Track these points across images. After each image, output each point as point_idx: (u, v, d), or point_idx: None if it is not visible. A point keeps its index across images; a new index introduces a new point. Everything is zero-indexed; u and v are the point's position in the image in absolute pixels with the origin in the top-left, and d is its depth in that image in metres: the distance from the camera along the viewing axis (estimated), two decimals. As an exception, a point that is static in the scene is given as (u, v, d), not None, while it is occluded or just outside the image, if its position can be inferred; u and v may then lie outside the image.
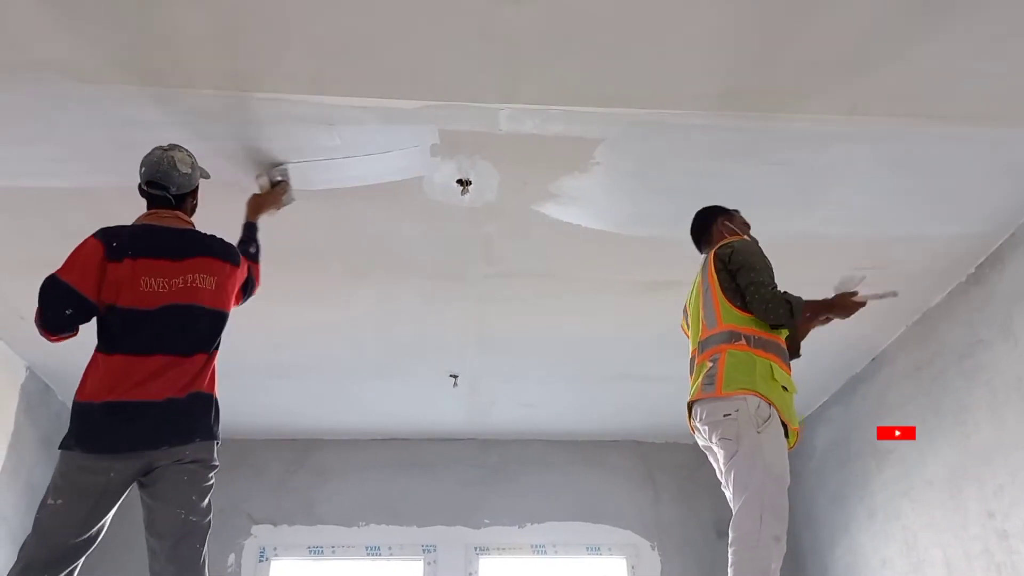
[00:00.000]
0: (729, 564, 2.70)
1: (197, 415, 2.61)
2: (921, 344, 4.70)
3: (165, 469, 2.53)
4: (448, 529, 6.24)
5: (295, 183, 3.43)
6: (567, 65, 2.97)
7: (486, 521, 6.32)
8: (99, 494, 2.49)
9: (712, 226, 3.29)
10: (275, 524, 6.16)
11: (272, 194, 3.35)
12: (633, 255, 4.12)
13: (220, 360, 2.77)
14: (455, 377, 5.47)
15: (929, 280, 4.38)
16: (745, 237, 3.20)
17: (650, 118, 3.20)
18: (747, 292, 2.93)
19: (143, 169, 2.81)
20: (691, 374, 3.09)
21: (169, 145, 2.85)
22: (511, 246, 4.07)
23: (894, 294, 3.16)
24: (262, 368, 5.26)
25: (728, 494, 2.85)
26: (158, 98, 3.02)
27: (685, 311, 3.31)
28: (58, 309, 2.58)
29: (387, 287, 4.41)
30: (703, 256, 3.27)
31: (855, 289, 3.06)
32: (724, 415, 2.81)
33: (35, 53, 2.83)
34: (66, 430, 2.55)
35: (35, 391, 5.23)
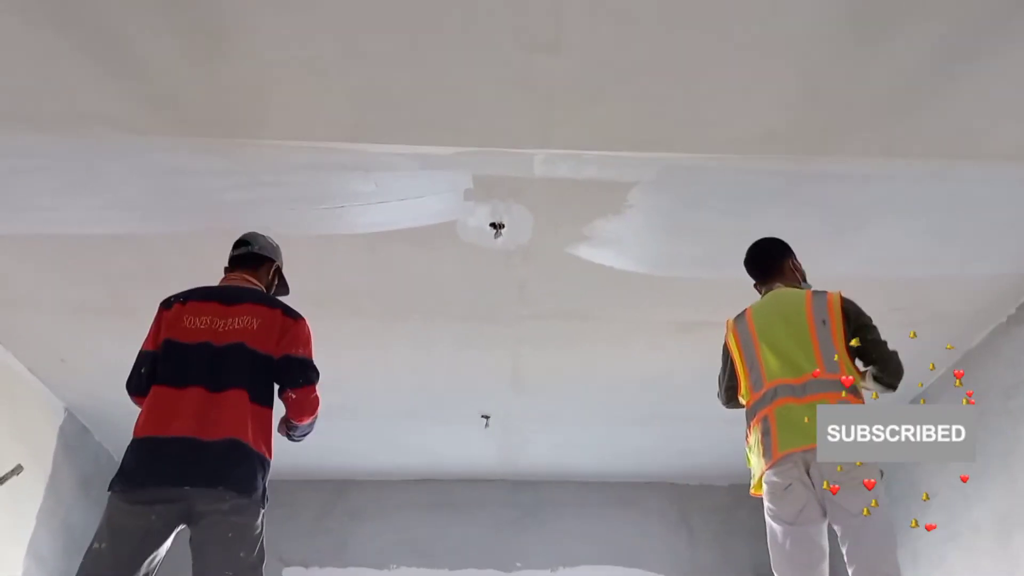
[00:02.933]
0: None
1: (233, 464, 2.58)
2: (964, 384, 4.60)
3: (210, 521, 2.52)
4: (480, 572, 6.18)
5: (337, 228, 3.47)
6: (601, 111, 2.99)
7: (518, 564, 6.25)
8: (141, 536, 2.50)
9: (785, 262, 3.13)
10: (306, 567, 6.13)
11: None
12: (666, 296, 4.10)
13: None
14: (487, 418, 5.46)
15: (970, 320, 4.32)
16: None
17: (685, 162, 3.22)
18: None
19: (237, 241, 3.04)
20: (771, 412, 2.87)
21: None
22: (545, 288, 4.07)
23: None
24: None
25: (844, 532, 2.71)
26: (201, 148, 3.09)
27: (750, 343, 3.01)
28: (136, 371, 2.76)
29: (422, 329, 4.43)
30: (774, 290, 3.06)
31: None
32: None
33: (82, 105, 2.92)
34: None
35: (73, 432, 5.28)
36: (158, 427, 2.57)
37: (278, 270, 3.09)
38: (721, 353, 3.14)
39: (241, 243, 3.04)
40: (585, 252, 3.79)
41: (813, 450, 2.63)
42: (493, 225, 3.62)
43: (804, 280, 3.15)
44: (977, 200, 3.46)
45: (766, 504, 2.85)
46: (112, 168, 3.18)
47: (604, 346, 4.60)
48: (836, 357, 2.83)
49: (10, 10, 2.58)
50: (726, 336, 3.10)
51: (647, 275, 3.94)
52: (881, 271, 3.89)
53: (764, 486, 2.85)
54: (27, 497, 4.82)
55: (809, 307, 2.93)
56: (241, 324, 2.74)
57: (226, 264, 3.04)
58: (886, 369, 2.85)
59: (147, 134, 3.02)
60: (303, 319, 2.89)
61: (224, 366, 2.68)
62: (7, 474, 4.49)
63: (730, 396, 3.09)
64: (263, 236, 3.09)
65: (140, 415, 2.65)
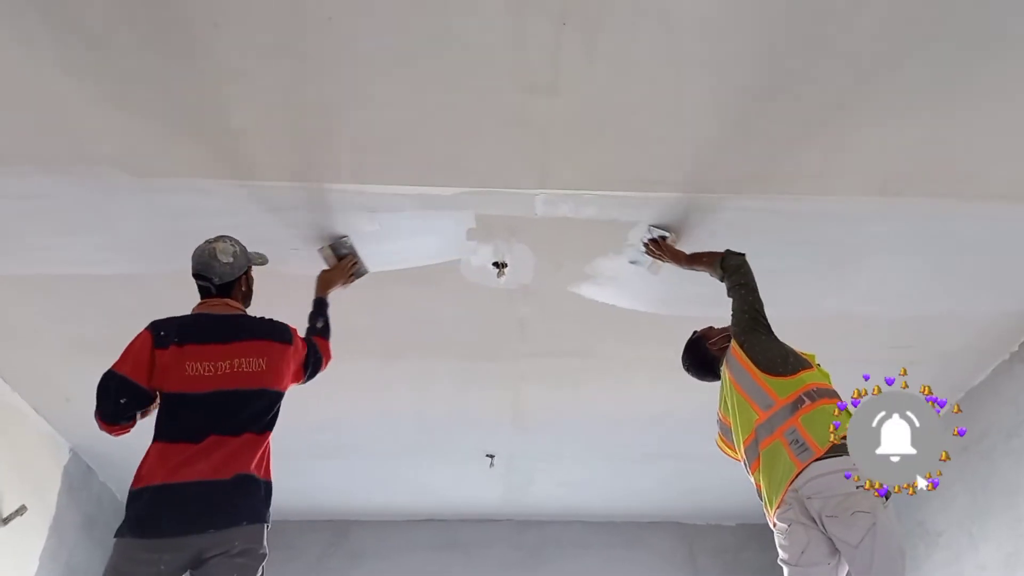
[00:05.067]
0: None
1: (242, 495, 2.59)
2: (967, 423, 4.57)
3: (216, 563, 2.51)
4: (484, 614, 6.13)
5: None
6: (599, 151, 3.04)
7: (523, 606, 6.20)
8: None
9: (706, 351, 3.20)
10: (309, 608, 6.09)
11: (339, 268, 3.40)
12: (670, 332, 4.08)
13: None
14: (491, 457, 5.44)
15: (971, 358, 4.32)
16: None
17: (682, 202, 3.25)
18: (743, 303, 3.01)
19: (192, 262, 2.89)
20: (755, 480, 2.90)
21: (217, 236, 2.91)
22: (547, 327, 4.09)
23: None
24: (300, 449, 5.27)
25: (843, 569, 2.68)
26: (203, 189, 3.13)
27: (721, 424, 3.15)
28: (114, 399, 2.63)
29: (424, 368, 4.44)
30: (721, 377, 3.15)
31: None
32: (856, 487, 2.53)
33: (89, 147, 2.97)
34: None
35: (77, 473, 5.27)
36: (173, 474, 2.55)
37: (246, 275, 2.94)
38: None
39: (198, 277, 2.86)
40: (587, 291, 3.82)
41: (793, 487, 2.68)
42: (496, 264, 3.65)
43: (729, 341, 3.13)
44: (975, 238, 3.48)
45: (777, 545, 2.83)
46: (114, 208, 3.21)
47: (606, 384, 4.60)
48: (762, 387, 2.85)
49: (15, 49, 2.62)
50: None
51: (649, 314, 3.96)
52: (880, 309, 3.90)
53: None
54: (30, 538, 4.80)
55: (729, 374, 3.01)
56: (251, 367, 2.71)
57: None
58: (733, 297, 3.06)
59: (149, 176, 3.07)
60: (292, 329, 2.92)
61: (243, 412, 2.67)
62: (11, 514, 4.49)
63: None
64: (219, 254, 2.85)
65: (147, 464, 2.58)
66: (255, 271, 3.02)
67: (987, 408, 4.42)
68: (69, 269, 3.61)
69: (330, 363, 3.16)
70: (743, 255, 3.13)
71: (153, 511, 2.52)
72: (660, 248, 3.38)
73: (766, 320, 3.00)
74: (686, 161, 3.09)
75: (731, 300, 3.09)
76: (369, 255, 3.51)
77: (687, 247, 3.52)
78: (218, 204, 3.19)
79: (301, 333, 3.04)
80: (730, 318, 3.06)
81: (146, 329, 2.74)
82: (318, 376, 3.09)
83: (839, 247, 3.51)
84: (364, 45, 2.65)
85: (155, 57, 2.66)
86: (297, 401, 4.51)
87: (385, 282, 3.72)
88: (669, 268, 3.64)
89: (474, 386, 4.59)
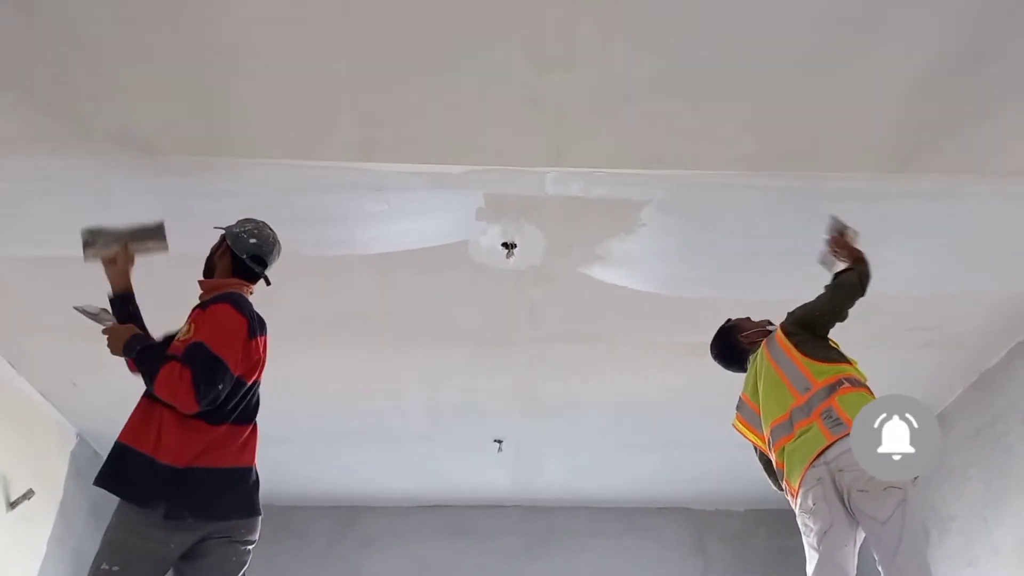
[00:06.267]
0: None
1: (257, 486, 2.66)
2: (981, 406, 4.56)
3: (216, 544, 2.51)
4: (493, 600, 6.12)
5: (348, 248, 3.43)
6: (612, 129, 2.99)
7: (531, 592, 6.18)
8: (155, 563, 2.45)
9: (737, 342, 3.22)
10: (317, 595, 6.09)
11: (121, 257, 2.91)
12: (681, 317, 4.08)
13: (268, 426, 2.78)
14: (499, 442, 5.42)
15: (986, 340, 4.28)
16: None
17: (696, 179, 3.21)
18: (817, 309, 2.97)
19: (253, 242, 2.79)
20: (778, 457, 2.92)
21: (264, 223, 2.85)
22: (557, 309, 4.05)
23: None
24: (309, 435, 5.26)
25: (875, 546, 2.67)
26: (212, 168, 3.10)
27: (744, 406, 3.16)
28: (217, 388, 2.49)
29: (433, 353, 4.41)
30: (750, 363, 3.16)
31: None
32: None
33: (94, 124, 2.93)
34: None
35: (85, 458, 5.26)
36: (227, 458, 2.57)
37: (230, 252, 2.80)
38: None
39: (259, 262, 2.81)
40: (598, 272, 3.77)
41: (824, 459, 2.69)
42: (505, 245, 3.61)
43: (766, 328, 3.17)
44: (993, 218, 3.43)
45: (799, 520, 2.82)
46: (122, 189, 3.19)
47: (617, 369, 4.57)
48: (802, 370, 2.87)
49: (21, 32, 2.59)
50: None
51: (661, 296, 3.91)
52: (895, 290, 3.84)
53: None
54: (38, 523, 4.80)
55: (768, 355, 3.02)
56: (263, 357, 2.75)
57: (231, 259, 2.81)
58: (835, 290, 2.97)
59: (157, 155, 3.03)
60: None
61: (257, 402, 2.72)
62: (18, 499, 4.48)
63: None
64: (279, 253, 2.87)
65: (193, 443, 2.49)
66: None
67: (1002, 390, 4.38)
68: (76, 251, 3.57)
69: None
70: (868, 279, 2.97)
71: (218, 494, 2.52)
72: (840, 245, 3.07)
73: (826, 335, 2.99)
74: (699, 138, 3.03)
75: (819, 294, 3.00)
76: (375, 236, 3.47)
77: (698, 226, 3.48)
78: (226, 184, 3.16)
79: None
80: (796, 306, 3.01)
81: (239, 312, 2.62)
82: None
83: (857, 226, 3.44)
84: (372, 19, 2.59)
85: (158, 35, 2.62)
86: (305, 387, 4.53)
87: (395, 267, 3.69)
88: (681, 248, 3.60)
89: (484, 371, 4.57)
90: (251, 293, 2.78)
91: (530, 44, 2.67)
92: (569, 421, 5.16)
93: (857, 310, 3.90)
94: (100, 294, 3.76)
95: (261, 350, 2.70)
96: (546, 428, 5.26)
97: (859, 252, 3.02)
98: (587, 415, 5.08)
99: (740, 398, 3.18)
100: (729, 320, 3.31)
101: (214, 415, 2.55)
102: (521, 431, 5.29)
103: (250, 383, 2.65)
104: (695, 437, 5.27)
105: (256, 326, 2.66)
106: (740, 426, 3.19)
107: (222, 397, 2.52)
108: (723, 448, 4.85)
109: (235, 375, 2.54)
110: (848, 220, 3.39)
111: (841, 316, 2.98)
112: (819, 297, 3.00)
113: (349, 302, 3.92)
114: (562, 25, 2.60)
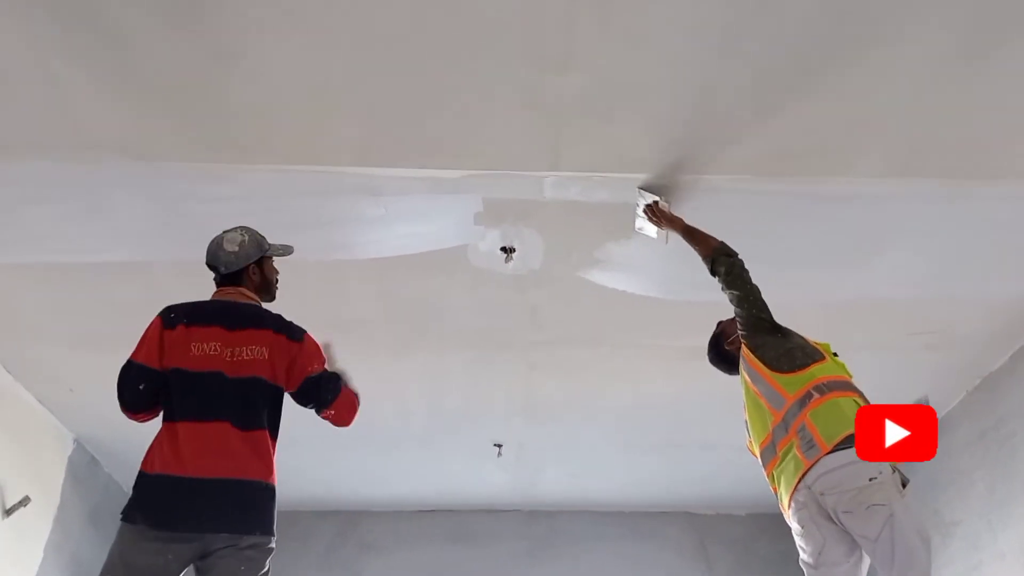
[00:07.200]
0: None
1: (262, 507, 2.58)
2: (985, 409, 4.53)
3: (222, 556, 2.47)
4: (494, 606, 6.10)
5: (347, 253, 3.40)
6: (611, 132, 2.97)
7: (532, 597, 6.16)
8: (155, 574, 2.43)
9: (726, 349, 3.16)
10: (318, 600, 6.07)
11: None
12: (681, 321, 4.04)
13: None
14: (499, 447, 5.40)
15: (990, 342, 4.25)
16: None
17: (696, 183, 3.18)
18: (745, 308, 2.93)
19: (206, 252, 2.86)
20: (771, 481, 2.86)
21: (234, 226, 2.85)
22: (557, 313, 4.03)
23: None
24: (308, 439, 5.22)
25: (864, 566, 2.65)
26: (209, 173, 3.07)
27: (746, 426, 3.08)
28: (132, 386, 2.63)
29: (433, 357, 4.39)
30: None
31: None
32: (870, 479, 2.55)
33: (91, 132, 2.91)
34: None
35: (82, 463, 5.24)
36: (192, 466, 2.50)
37: (260, 266, 2.86)
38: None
39: (208, 265, 2.83)
40: (598, 276, 3.75)
41: (805, 483, 2.62)
42: (504, 249, 3.59)
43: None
44: (996, 220, 3.41)
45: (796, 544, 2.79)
46: (118, 195, 3.17)
47: (618, 373, 4.55)
48: (773, 386, 2.80)
49: (18, 38, 2.57)
50: None
51: (660, 300, 3.89)
52: (899, 293, 3.83)
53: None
54: (34, 529, 4.76)
55: (745, 375, 2.95)
56: (251, 355, 2.67)
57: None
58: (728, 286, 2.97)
59: (154, 160, 3.01)
60: (306, 333, 2.80)
61: (247, 402, 2.62)
62: (14, 505, 4.46)
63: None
64: (226, 243, 2.80)
65: (161, 446, 2.54)
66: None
67: (1006, 393, 4.35)
68: (73, 258, 3.56)
69: (345, 420, 2.89)
70: (733, 257, 3.00)
71: (168, 502, 2.47)
72: (656, 214, 3.22)
73: (769, 317, 2.92)
74: (699, 141, 3.01)
75: (730, 298, 2.99)
76: (374, 241, 3.45)
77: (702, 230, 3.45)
78: (223, 189, 3.13)
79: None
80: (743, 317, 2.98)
81: (158, 314, 2.73)
82: (323, 417, 2.87)
83: (859, 229, 3.44)
84: (369, 22, 2.57)
85: (154, 39, 2.60)
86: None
87: (392, 269, 3.66)
88: (681, 251, 3.56)
89: (484, 374, 4.55)
90: (236, 293, 2.79)
91: (529, 48, 2.64)
92: (570, 425, 5.14)
93: (860, 313, 3.90)
94: (97, 302, 3.77)
95: (198, 338, 2.64)
96: (547, 432, 5.24)
97: (678, 219, 3.15)
98: (588, 419, 5.07)
99: (744, 419, 3.09)
100: (718, 325, 3.24)
101: (166, 413, 2.60)
102: (522, 435, 5.27)
103: (192, 371, 2.59)
104: (697, 440, 5.25)
105: (179, 318, 2.69)
106: (750, 447, 3.08)
107: (142, 389, 2.62)
108: (725, 451, 4.84)
109: (150, 367, 2.61)
110: (850, 223, 3.38)
111: (756, 292, 2.93)
112: (734, 300, 2.95)
113: (349, 307, 3.90)
114: (561, 28, 2.57)
